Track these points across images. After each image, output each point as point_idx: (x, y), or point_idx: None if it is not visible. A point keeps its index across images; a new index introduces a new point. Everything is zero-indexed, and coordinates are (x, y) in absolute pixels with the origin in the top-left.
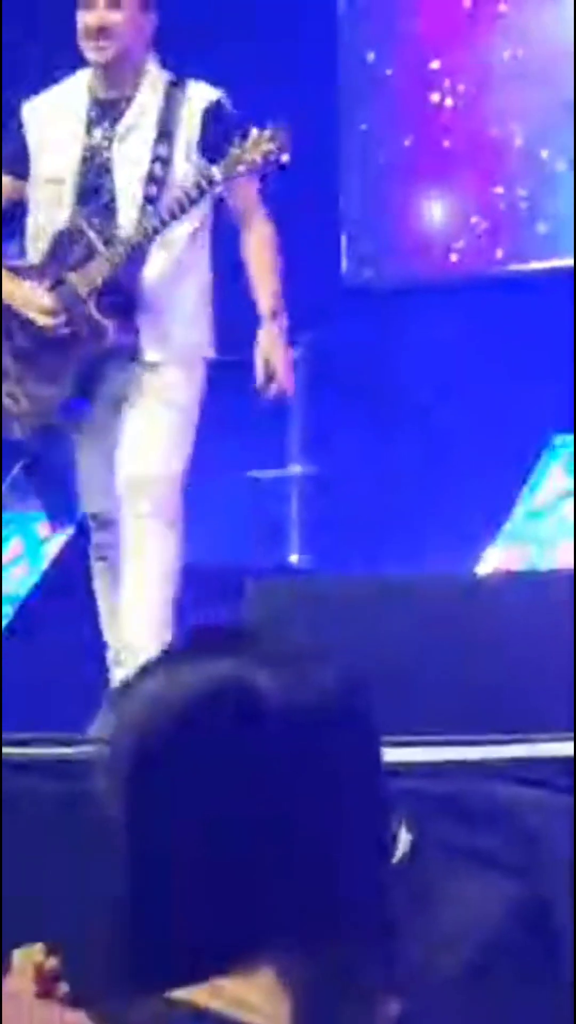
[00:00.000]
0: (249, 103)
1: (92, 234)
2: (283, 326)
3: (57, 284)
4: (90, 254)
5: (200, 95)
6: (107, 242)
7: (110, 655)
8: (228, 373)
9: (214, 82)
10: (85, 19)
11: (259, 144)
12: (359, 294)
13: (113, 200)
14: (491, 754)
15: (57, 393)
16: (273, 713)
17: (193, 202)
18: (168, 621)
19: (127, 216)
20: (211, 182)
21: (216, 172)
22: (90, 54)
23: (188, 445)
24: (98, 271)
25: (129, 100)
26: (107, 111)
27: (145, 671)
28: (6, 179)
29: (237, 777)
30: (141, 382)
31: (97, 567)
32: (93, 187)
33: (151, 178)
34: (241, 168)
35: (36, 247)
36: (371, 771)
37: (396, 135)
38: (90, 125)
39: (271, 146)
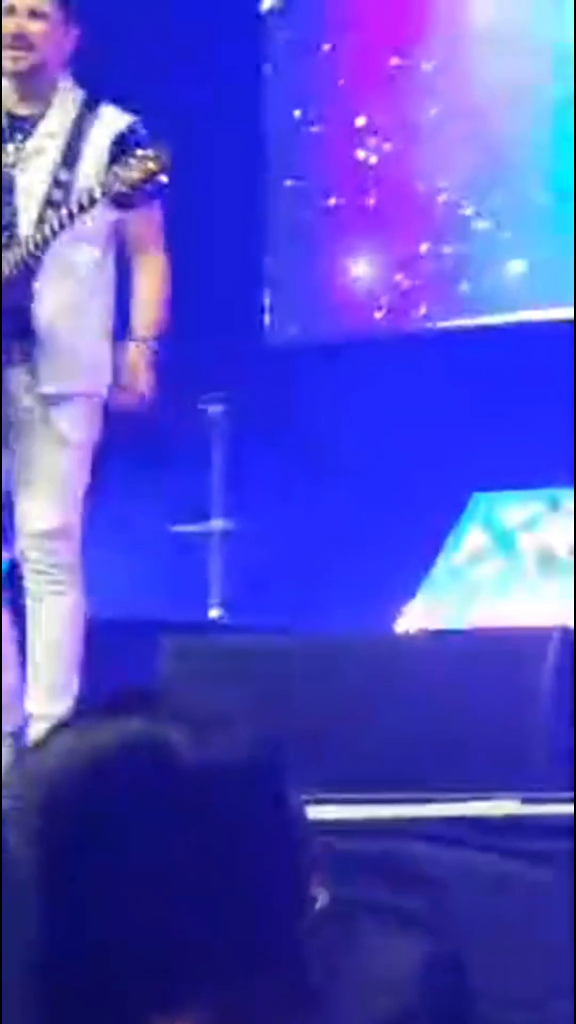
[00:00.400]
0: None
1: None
2: (152, 352)
3: None
4: None
5: (112, 121)
6: (8, 262)
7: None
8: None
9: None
10: (5, 26)
11: (142, 162)
12: (283, 351)
13: (15, 218)
14: (408, 813)
15: None
16: (184, 771)
17: (71, 217)
18: (71, 686)
19: (22, 232)
20: (91, 199)
21: (96, 188)
22: (6, 62)
23: (83, 487)
24: None
25: (41, 116)
26: (19, 126)
27: (58, 727)
28: None
29: (148, 834)
30: (34, 416)
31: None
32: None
33: (48, 201)
34: (118, 186)
35: None
36: (283, 829)
37: (322, 192)
38: (3, 143)
39: (152, 165)
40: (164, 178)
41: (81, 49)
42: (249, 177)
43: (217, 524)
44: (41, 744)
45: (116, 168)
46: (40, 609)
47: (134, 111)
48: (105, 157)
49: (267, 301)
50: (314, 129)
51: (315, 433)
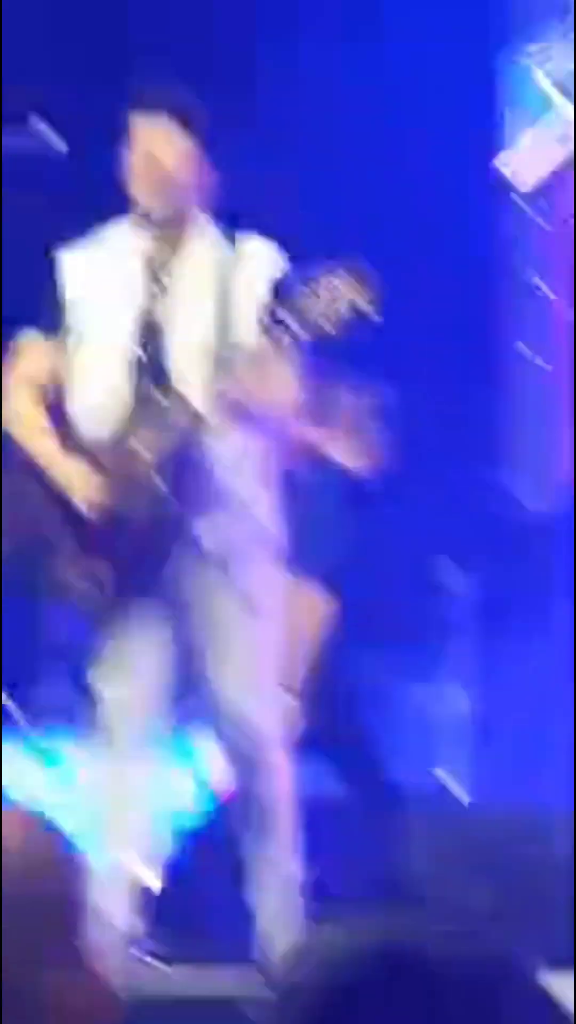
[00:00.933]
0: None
1: (161, 400)
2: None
3: (119, 451)
4: (158, 421)
5: (259, 256)
6: (175, 410)
7: None
8: None
9: None
10: (137, 164)
11: (333, 289)
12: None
13: (166, 365)
14: None
15: (106, 579)
16: (437, 972)
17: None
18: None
19: (182, 382)
20: (289, 330)
21: (293, 323)
22: (139, 197)
23: (277, 658)
24: (167, 439)
25: (179, 258)
26: (156, 270)
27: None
28: (44, 339)
29: None
30: (212, 580)
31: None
32: (143, 350)
33: (217, 362)
34: (313, 315)
35: (84, 408)
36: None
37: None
38: (139, 282)
39: (347, 292)
40: (368, 305)
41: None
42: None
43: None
44: (319, 932)
45: (304, 302)
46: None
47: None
48: (263, 297)
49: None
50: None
51: None
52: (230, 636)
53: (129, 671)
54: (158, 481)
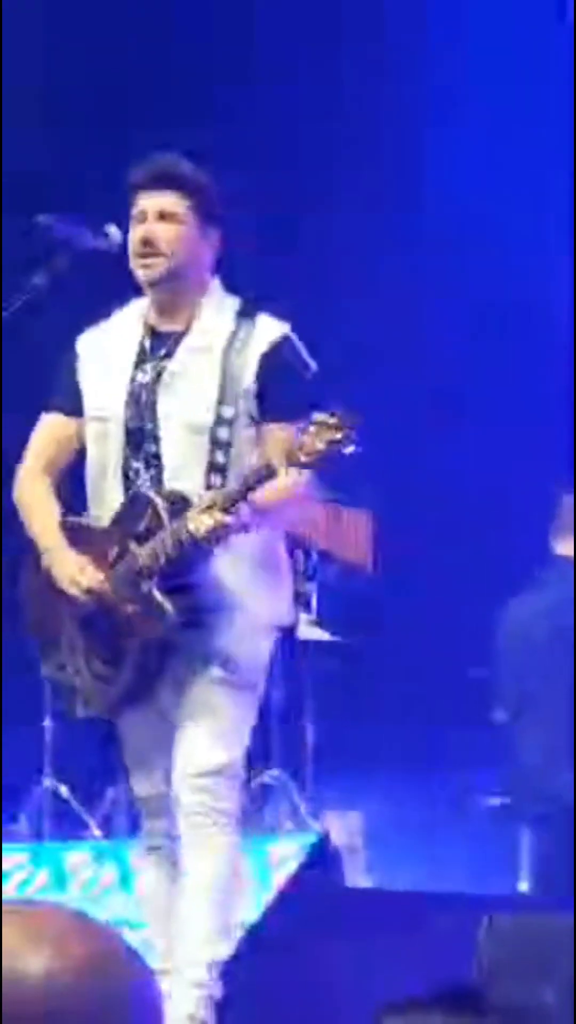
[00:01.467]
0: None
1: (160, 504)
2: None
3: (121, 555)
4: (156, 527)
5: (266, 331)
6: (173, 515)
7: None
8: None
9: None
10: (134, 233)
11: (322, 431)
12: None
13: (158, 448)
14: None
15: (121, 682)
16: None
17: (251, 490)
18: (226, 932)
19: (173, 463)
20: (270, 472)
21: (276, 463)
22: (137, 271)
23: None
24: (162, 548)
25: (185, 332)
26: (161, 342)
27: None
28: (62, 419)
29: None
30: (198, 661)
31: (149, 859)
32: (139, 429)
33: (215, 442)
34: (304, 458)
35: (95, 491)
36: None
37: None
38: (141, 359)
39: (335, 435)
40: (350, 448)
41: None
42: None
43: None
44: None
45: (299, 435)
46: (194, 855)
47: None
48: (253, 379)
49: None
50: None
51: None
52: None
53: (147, 767)
54: (154, 591)
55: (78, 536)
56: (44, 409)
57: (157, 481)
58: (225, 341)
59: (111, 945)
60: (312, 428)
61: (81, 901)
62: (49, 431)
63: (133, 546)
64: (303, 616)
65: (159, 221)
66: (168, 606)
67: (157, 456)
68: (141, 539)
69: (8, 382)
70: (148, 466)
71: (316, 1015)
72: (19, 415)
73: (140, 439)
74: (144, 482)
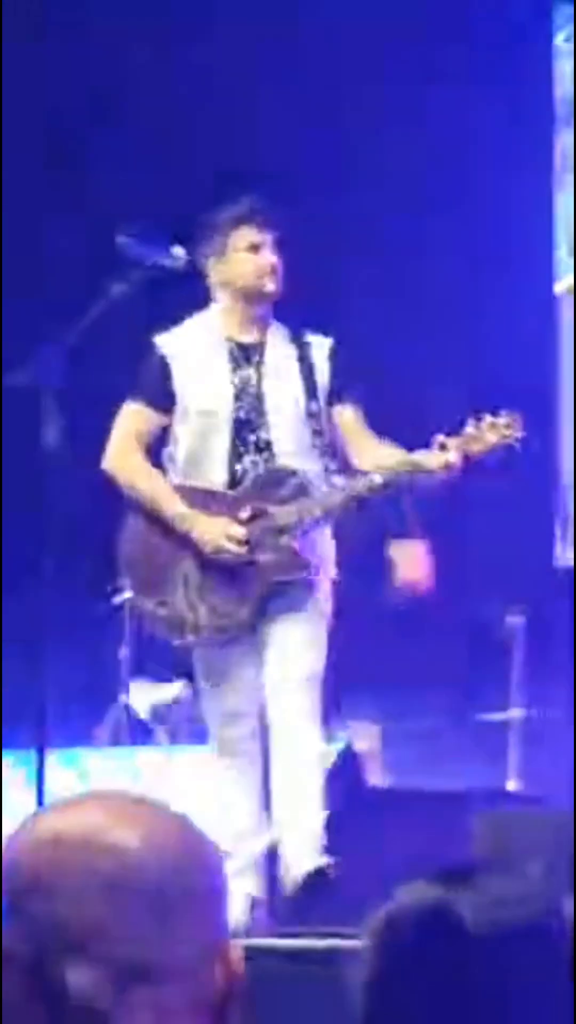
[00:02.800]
0: None
1: (310, 478)
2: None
3: (256, 516)
4: (301, 493)
5: (321, 344)
6: (323, 488)
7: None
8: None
9: None
10: (259, 259)
11: (496, 428)
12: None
13: (268, 433)
14: None
15: (241, 614)
16: (471, 941)
17: (411, 487)
18: (320, 799)
19: (284, 448)
20: (448, 465)
21: (451, 446)
22: (264, 288)
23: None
24: (308, 511)
25: (263, 345)
26: (246, 353)
27: (410, 892)
28: (149, 413)
29: (429, 995)
30: (305, 598)
31: (235, 760)
32: (247, 419)
33: (314, 431)
34: (476, 448)
35: (195, 471)
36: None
37: None
38: (235, 362)
39: (507, 432)
40: (517, 443)
41: None
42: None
43: (516, 713)
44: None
45: (471, 430)
46: (300, 736)
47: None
48: (327, 378)
49: (558, 531)
50: None
51: None
52: (307, 634)
53: (233, 685)
54: (294, 543)
55: (195, 500)
56: (127, 400)
57: (267, 459)
58: (296, 351)
59: (188, 823)
60: (484, 426)
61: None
62: (136, 420)
63: (272, 508)
64: None
65: (274, 250)
66: (306, 557)
67: (268, 443)
68: (282, 502)
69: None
70: (259, 451)
71: (338, 889)
72: (92, 416)
73: (249, 429)
74: (255, 464)
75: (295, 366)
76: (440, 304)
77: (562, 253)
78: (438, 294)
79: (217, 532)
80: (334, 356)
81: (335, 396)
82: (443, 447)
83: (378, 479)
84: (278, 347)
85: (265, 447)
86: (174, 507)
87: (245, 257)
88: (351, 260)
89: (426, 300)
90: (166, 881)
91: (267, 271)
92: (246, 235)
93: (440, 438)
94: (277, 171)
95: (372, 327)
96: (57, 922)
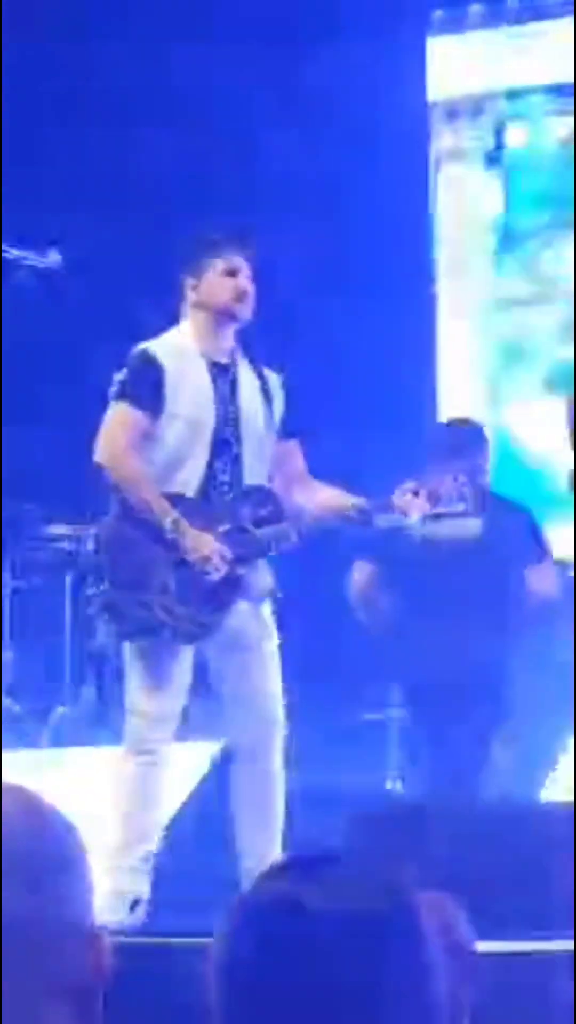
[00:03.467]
0: None
1: (280, 502)
2: None
3: (235, 531)
4: (276, 518)
5: (276, 379)
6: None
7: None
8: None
9: None
10: (237, 284)
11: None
12: None
13: (239, 454)
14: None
15: (214, 624)
16: (315, 924)
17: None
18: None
19: (253, 469)
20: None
21: (421, 495)
22: (236, 311)
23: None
24: (284, 537)
25: (234, 368)
26: (221, 372)
27: (263, 881)
28: (140, 416)
29: (285, 979)
30: (254, 619)
31: (142, 759)
32: (223, 437)
33: (270, 453)
34: (442, 506)
35: (170, 477)
36: (409, 978)
37: None
38: (214, 379)
39: (460, 506)
40: (461, 507)
41: None
42: None
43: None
44: (249, 896)
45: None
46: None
47: None
48: (282, 401)
49: None
50: None
51: None
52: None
53: (170, 690)
54: (265, 564)
55: (175, 506)
56: (118, 399)
57: (238, 478)
58: (258, 381)
59: (48, 810)
60: (453, 483)
61: None
62: (129, 419)
63: (252, 527)
64: None
65: (247, 279)
66: (268, 575)
67: (238, 457)
68: (257, 521)
69: None
70: (230, 464)
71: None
72: None
73: (224, 443)
74: (225, 477)
75: (259, 395)
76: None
77: None
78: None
79: (207, 546)
80: (285, 390)
81: (284, 431)
82: (416, 493)
83: (363, 507)
84: (245, 373)
85: (235, 464)
86: (168, 513)
87: (223, 281)
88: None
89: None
90: (16, 853)
91: (243, 296)
92: (226, 259)
93: (410, 484)
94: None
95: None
96: None
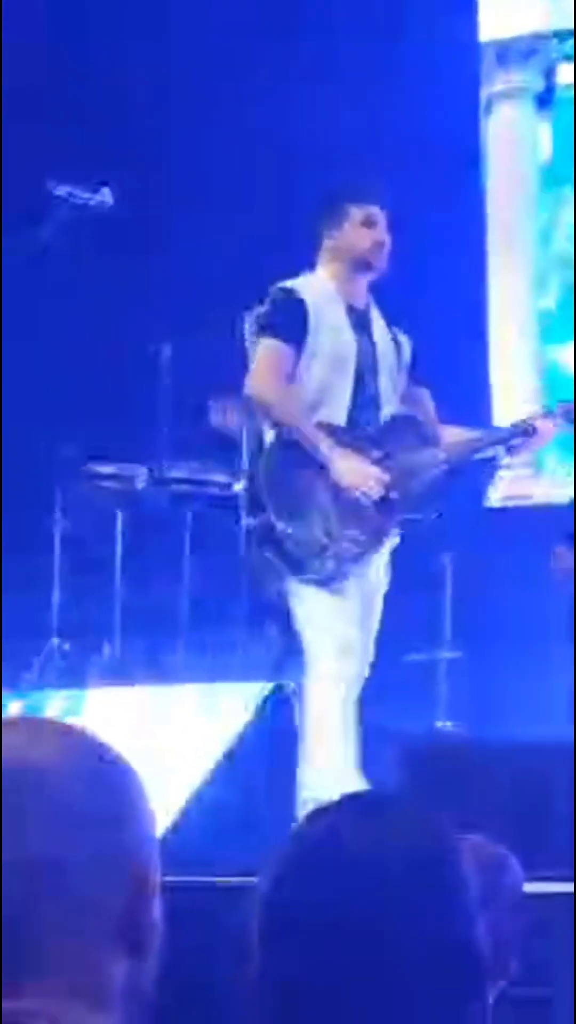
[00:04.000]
0: None
1: (427, 429)
2: None
3: (388, 457)
4: (424, 444)
5: (404, 339)
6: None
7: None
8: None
9: None
10: (375, 234)
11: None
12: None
13: (376, 393)
14: None
15: (374, 546)
16: (357, 858)
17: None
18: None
19: (388, 407)
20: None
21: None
22: (374, 262)
23: None
24: (432, 462)
25: (368, 313)
26: (358, 317)
27: (308, 821)
28: (287, 350)
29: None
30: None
31: (340, 690)
32: (362, 372)
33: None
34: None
35: (317, 410)
36: (447, 925)
37: None
38: (352, 321)
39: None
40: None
41: None
42: None
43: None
44: (294, 838)
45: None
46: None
47: None
48: (408, 363)
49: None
50: None
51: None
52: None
53: (354, 614)
54: (420, 487)
55: (333, 438)
56: (264, 334)
57: (376, 412)
58: (389, 332)
59: (112, 753)
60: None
61: None
62: (278, 353)
63: (403, 454)
64: None
65: (383, 229)
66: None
67: (376, 395)
68: (411, 450)
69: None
70: (370, 400)
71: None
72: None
73: (364, 380)
74: (361, 412)
75: (391, 342)
76: None
77: None
78: None
79: (360, 472)
80: (413, 351)
81: (417, 380)
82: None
83: (505, 431)
84: (377, 320)
85: (374, 400)
86: (323, 442)
87: (360, 231)
88: None
89: None
90: (77, 798)
91: (380, 247)
92: (364, 210)
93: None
94: None
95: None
96: None
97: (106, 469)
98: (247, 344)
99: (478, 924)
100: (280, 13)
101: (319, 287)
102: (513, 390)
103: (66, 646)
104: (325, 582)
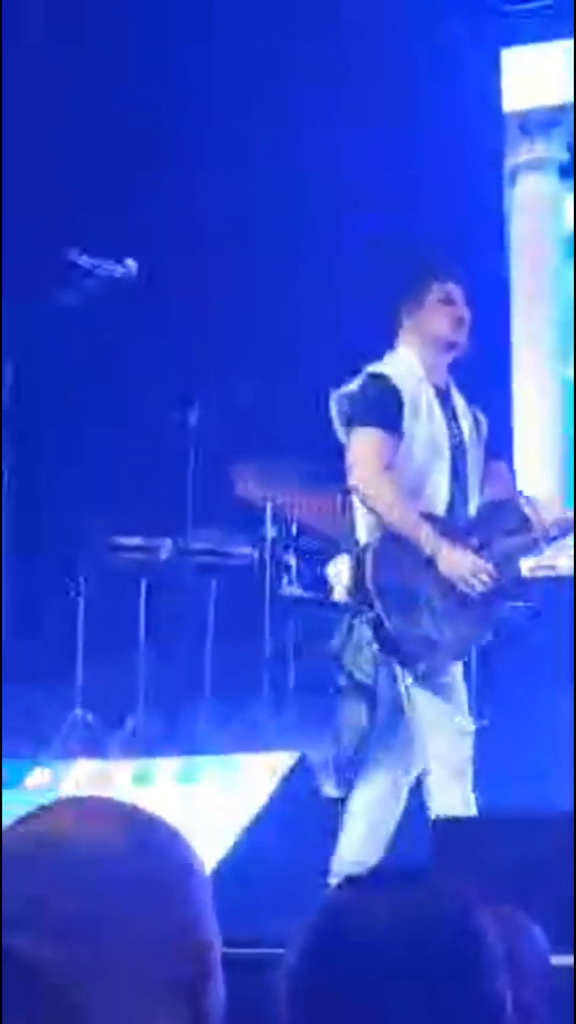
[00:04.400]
0: None
1: (530, 512)
2: None
3: (485, 545)
4: (516, 527)
5: (479, 413)
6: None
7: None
8: None
9: None
10: (455, 311)
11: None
12: None
13: (466, 474)
14: None
15: (481, 638)
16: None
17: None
18: None
19: (474, 493)
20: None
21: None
22: (455, 340)
23: None
24: (527, 546)
25: (449, 392)
26: (441, 396)
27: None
28: (386, 438)
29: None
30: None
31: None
32: (455, 460)
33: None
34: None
35: (415, 498)
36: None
37: None
38: (441, 403)
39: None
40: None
41: None
42: None
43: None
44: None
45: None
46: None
47: None
48: (485, 437)
49: None
50: None
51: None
52: None
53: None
54: (523, 573)
55: (434, 528)
56: (361, 423)
57: (465, 497)
58: (469, 410)
59: (159, 828)
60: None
61: None
62: (379, 443)
63: (503, 539)
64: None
65: (462, 306)
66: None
67: (466, 477)
68: (510, 534)
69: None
70: (464, 483)
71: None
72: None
73: (456, 462)
74: (457, 496)
75: (474, 422)
76: None
77: None
78: None
79: (468, 566)
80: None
81: (493, 454)
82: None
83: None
84: (459, 400)
85: (467, 484)
86: (426, 535)
87: (441, 308)
88: None
89: None
90: (136, 872)
91: (461, 324)
92: (443, 287)
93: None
94: None
95: None
96: (32, 910)
97: (131, 541)
98: (335, 429)
99: (507, 998)
100: (304, 94)
101: (407, 370)
102: (536, 458)
103: (89, 717)
104: (429, 676)
